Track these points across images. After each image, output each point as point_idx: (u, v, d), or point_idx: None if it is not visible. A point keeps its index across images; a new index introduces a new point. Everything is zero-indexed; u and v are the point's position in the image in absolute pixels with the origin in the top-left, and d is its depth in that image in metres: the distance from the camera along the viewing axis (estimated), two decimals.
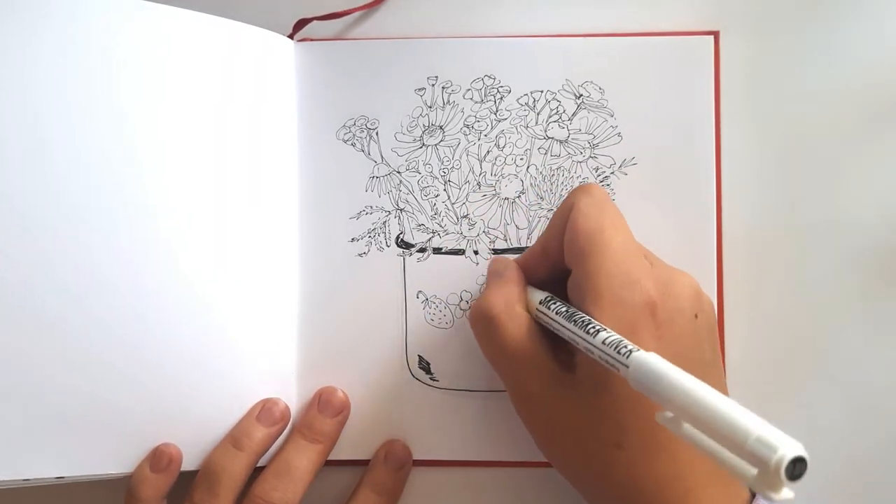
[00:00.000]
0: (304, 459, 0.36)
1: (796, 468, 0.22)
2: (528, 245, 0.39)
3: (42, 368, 0.34)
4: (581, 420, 0.30)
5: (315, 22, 0.40)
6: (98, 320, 0.34)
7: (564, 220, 0.33)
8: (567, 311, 0.31)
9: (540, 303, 0.33)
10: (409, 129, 0.40)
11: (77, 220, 0.34)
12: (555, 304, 0.32)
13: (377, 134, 0.40)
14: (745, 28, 0.39)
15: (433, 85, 0.40)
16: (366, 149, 0.40)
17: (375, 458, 0.38)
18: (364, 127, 0.40)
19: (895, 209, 0.38)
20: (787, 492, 0.22)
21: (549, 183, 0.39)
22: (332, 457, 0.38)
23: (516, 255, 0.37)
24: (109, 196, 0.35)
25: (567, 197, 0.33)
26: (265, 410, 0.37)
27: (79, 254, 0.34)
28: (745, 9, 0.40)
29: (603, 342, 0.28)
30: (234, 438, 0.36)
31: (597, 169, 0.39)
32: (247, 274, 0.37)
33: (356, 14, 0.41)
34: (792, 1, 0.40)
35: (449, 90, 0.40)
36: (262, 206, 0.38)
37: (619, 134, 0.39)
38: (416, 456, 0.39)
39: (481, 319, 0.33)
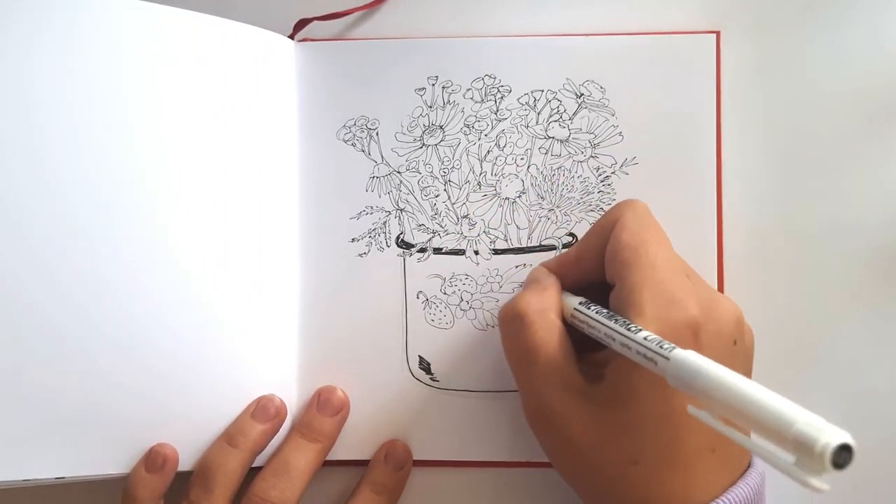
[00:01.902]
0: (302, 458, 0.36)
1: (842, 456, 0.21)
2: (529, 245, 0.39)
3: (40, 370, 0.34)
4: (599, 434, 0.30)
5: (315, 22, 0.40)
6: (97, 321, 0.34)
7: (605, 234, 0.32)
8: (607, 311, 0.31)
9: (579, 303, 0.32)
10: (410, 129, 0.40)
11: (75, 221, 0.34)
12: (594, 306, 0.32)
13: (377, 134, 0.40)
14: (746, 27, 0.39)
15: (433, 85, 0.40)
16: (366, 149, 0.40)
17: (375, 459, 0.38)
18: (364, 127, 0.40)
19: (894, 208, 0.38)
20: (822, 482, 0.22)
21: (549, 183, 0.39)
22: (331, 457, 0.38)
23: (547, 260, 0.36)
24: (108, 195, 0.35)
25: (609, 211, 0.33)
26: (260, 407, 0.37)
27: (77, 255, 0.34)
28: (746, 8, 0.39)
29: (644, 338, 0.28)
30: (228, 436, 0.36)
31: (598, 168, 0.39)
32: (247, 274, 0.37)
33: (356, 14, 0.41)
34: (793, 1, 0.39)
35: (449, 90, 0.40)
36: (262, 207, 0.38)
37: (620, 133, 0.39)
38: (416, 456, 0.38)
39: (512, 319, 0.32)
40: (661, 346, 0.27)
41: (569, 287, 0.35)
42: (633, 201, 0.33)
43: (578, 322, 0.32)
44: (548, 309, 0.32)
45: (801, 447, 0.22)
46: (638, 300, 0.30)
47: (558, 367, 0.31)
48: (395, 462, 0.38)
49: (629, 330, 0.29)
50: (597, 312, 0.31)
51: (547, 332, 0.32)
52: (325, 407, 0.38)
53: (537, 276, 0.35)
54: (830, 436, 0.21)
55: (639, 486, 0.29)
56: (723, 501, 0.28)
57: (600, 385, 0.30)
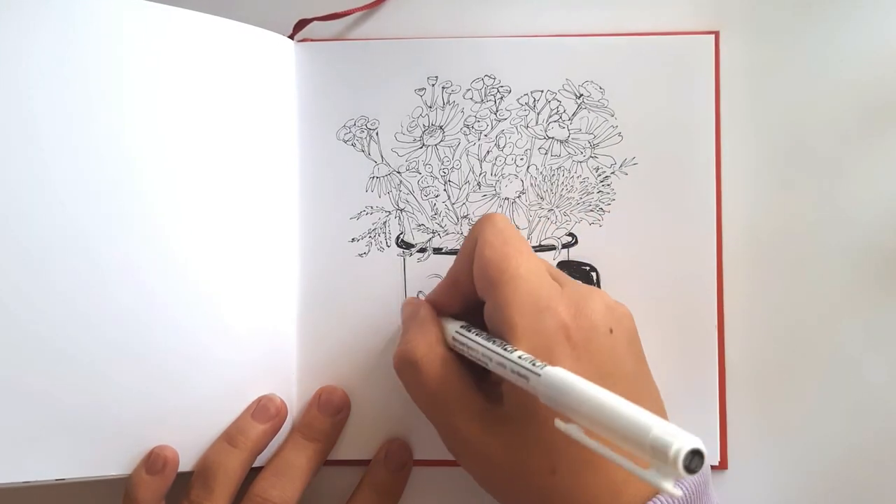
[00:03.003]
0: (303, 458, 0.36)
1: (693, 462, 0.22)
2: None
3: (40, 372, 0.33)
4: (513, 451, 0.30)
5: (315, 22, 0.40)
6: (97, 322, 0.34)
7: (471, 253, 0.33)
8: (486, 334, 0.32)
9: (457, 331, 0.33)
10: (409, 129, 0.40)
11: (75, 221, 0.34)
12: (472, 329, 0.32)
13: (377, 134, 0.40)
14: (745, 28, 0.39)
15: (433, 85, 0.40)
16: (366, 149, 0.40)
17: (376, 458, 0.38)
18: (364, 127, 0.40)
19: (894, 209, 0.38)
20: (676, 488, 0.23)
21: (549, 183, 0.39)
22: (332, 456, 0.38)
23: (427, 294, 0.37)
24: (107, 197, 0.35)
25: (471, 229, 0.34)
26: (260, 407, 0.37)
27: (76, 256, 0.34)
28: (745, 9, 0.40)
29: (519, 357, 0.29)
30: (229, 435, 0.36)
31: (597, 169, 0.39)
32: (247, 274, 0.37)
33: (356, 14, 0.41)
34: (792, 1, 0.39)
35: (449, 90, 0.40)
36: (262, 207, 0.38)
37: (619, 134, 0.39)
38: (417, 456, 0.38)
39: (404, 367, 0.33)
40: (533, 364, 0.28)
41: (455, 313, 0.35)
42: (492, 216, 0.33)
43: (458, 346, 0.33)
44: (433, 344, 0.33)
45: (657, 453, 0.23)
46: (508, 316, 0.30)
47: (459, 399, 0.32)
48: (396, 462, 0.38)
49: (506, 350, 0.29)
50: (476, 335, 0.32)
51: (440, 367, 0.32)
52: (325, 407, 0.38)
53: (413, 311, 0.35)
54: (683, 441, 0.22)
55: (562, 493, 0.29)
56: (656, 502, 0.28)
57: (501, 404, 0.31)
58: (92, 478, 0.35)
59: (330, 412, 0.38)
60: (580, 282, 0.33)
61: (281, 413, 0.37)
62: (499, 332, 0.31)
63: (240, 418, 0.37)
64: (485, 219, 0.33)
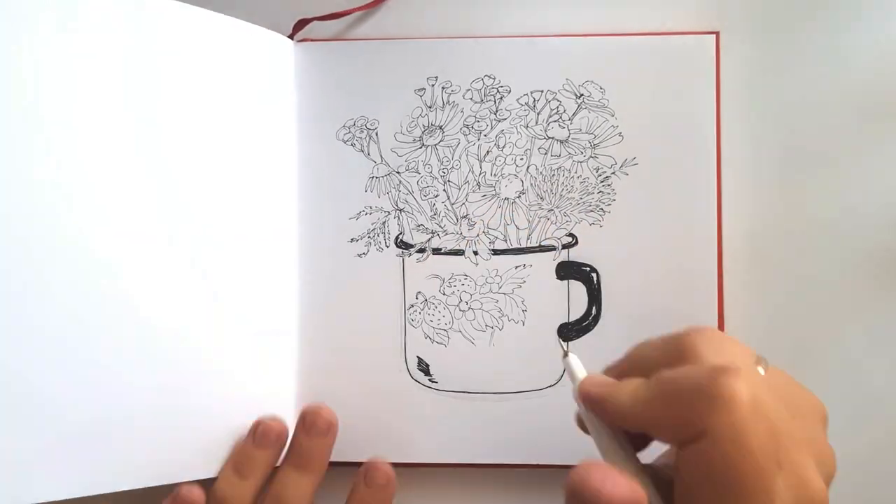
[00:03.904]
0: (297, 491, 0.36)
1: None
2: (528, 245, 0.39)
3: (43, 390, 0.33)
4: None
5: (315, 22, 0.40)
6: (95, 325, 0.34)
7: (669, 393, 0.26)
8: None
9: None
10: (409, 129, 0.40)
11: (73, 225, 0.34)
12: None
13: (377, 134, 0.40)
14: (745, 28, 0.39)
15: (433, 85, 0.40)
16: (365, 149, 0.40)
17: (357, 478, 0.37)
18: (364, 127, 0.40)
19: (894, 209, 0.38)
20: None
21: (549, 183, 0.39)
22: (331, 458, 0.38)
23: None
24: (104, 196, 0.35)
25: (672, 349, 0.27)
26: (261, 434, 0.36)
27: (73, 259, 0.34)
28: (746, 9, 0.40)
29: None
30: (235, 465, 0.36)
31: (597, 169, 0.39)
32: (246, 274, 0.37)
33: (356, 14, 0.41)
34: (792, 1, 0.39)
35: (449, 90, 0.40)
36: (261, 207, 0.38)
37: (619, 134, 0.39)
38: (415, 458, 0.38)
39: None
40: None
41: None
42: (702, 331, 0.27)
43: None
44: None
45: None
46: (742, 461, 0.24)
47: None
48: (374, 482, 0.36)
49: None
50: None
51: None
52: (311, 430, 0.37)
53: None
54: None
55: None
56: None
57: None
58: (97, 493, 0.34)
59: (317, 435, 0.36)
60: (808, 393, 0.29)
61: (282, 437, 0.36)
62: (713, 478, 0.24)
63: (243, 446, 0.36)
64: (693, 336, 0.27)
